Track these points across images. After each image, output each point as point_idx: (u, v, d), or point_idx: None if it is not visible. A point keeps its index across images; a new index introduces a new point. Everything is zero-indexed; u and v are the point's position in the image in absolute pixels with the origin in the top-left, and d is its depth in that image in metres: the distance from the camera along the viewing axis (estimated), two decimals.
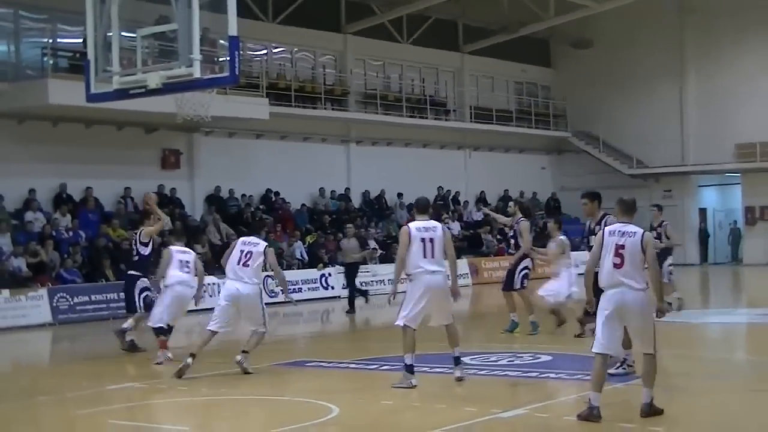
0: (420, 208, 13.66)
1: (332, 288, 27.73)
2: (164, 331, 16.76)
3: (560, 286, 18.40)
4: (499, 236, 37.78)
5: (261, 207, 34.65)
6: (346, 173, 38.91)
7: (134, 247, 18.15)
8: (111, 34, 14.70)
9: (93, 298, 26.00)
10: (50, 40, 29.66)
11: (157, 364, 16.31)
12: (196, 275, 17.19)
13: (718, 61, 44.55)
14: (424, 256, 13.08)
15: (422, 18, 42.05)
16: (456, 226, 38.65)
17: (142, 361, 16.93)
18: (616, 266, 10.80)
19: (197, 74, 13.90)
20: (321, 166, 37.25)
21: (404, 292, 13.36)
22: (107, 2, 14.63)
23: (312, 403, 12.44)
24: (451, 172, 42.65)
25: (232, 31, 13.65)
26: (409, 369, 13.11)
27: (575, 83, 47.48)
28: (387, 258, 32.88)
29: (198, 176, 33.50)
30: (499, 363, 15.33)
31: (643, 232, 10.93)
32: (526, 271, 18.94)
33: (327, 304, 28.32)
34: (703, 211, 47.32)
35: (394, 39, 41.49)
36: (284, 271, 16.47)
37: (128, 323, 17.85)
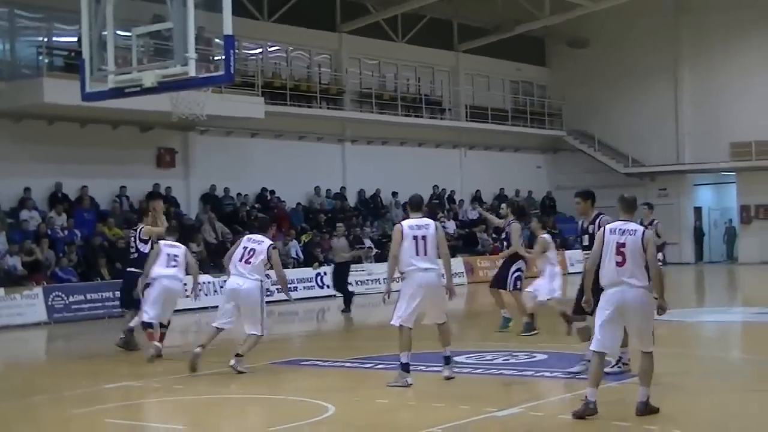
0: (414, 205, 13.68)
1: (328, 287, 27.74)
2: (151, 324, 16.75)
3: (542, 285, 18.44)
4: (494, 235, 37.78)
5: (256, 206, 34.63)
6: (342, 172, 38.90)
7: (134, 245, 18.12)
8: (106, 32, 14.71)
9: (88, 297, 26.00)
10: (45, 39, 29.66)
11: (149, 358, 16.34)
12: (187, 270, 17.19)
13: (713, 60, 44.59)
14: (417, 254, 13.09)
15: (417, 17, 42.05)
16: (451, 225, 38.68)
17: (138, 360, 16.91)
18: (618, 264, 10.82)
19: (192, 73, 13.91)
20: (316, 165, 37.25)
21: (398, 290, 13.36)
22: (102, 1, 14.63)
23: (307, 401, 12.45)
24: (446, 171, 42.65)
25: (228, 29, 13.65)
26: (405, 368, 13.12)
27: (571, 82, 47.50)
28: (382, 257, 32.87)
29: (193, 175, 33.49)
30: (494, 362, 15.34)
31: (644, 230, 10.95)
32: (518, 273, 18.97)
33: (322, 303, 28.33)
34: (698, 210, 47.35)
35: (389, 38, 41.49)
36: None
37: (135, 321, 17.80)
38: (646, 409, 10.70)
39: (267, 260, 14.93)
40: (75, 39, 27.15)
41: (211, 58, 25.00)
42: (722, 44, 44.30)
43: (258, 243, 15.02)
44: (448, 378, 13.40)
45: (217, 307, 27.32)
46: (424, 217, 13.50)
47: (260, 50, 37.14)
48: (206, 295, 26.07)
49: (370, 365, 15.40)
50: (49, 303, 25.19)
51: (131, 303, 17.86)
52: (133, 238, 18.29)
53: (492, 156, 45.33)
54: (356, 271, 32.32)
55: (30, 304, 24.94)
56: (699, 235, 46.93)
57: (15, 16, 29.92)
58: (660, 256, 21.02)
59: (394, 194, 39.35)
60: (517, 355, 15.90)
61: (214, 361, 15.57)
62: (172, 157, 32.81)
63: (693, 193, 47.13)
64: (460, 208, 42.06)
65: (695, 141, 44.55)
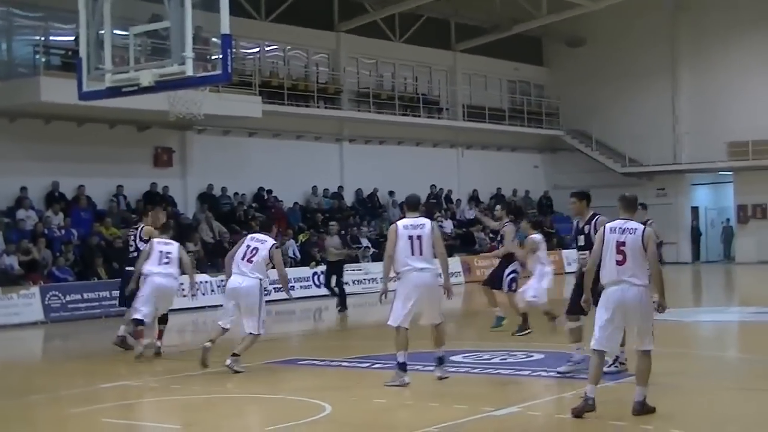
0: (410, 205, 13.67)
1: (334, 288, 27.70)
2: (142, 322, 16.74)
3: (531, 284, 18.53)
4: (491, 234, 37.76)
5: (254, 205, 34.63)
6: (339, 171, 38.89)
7: (133, 244, 18.12)
8: (103, 32, 14.71)
9: (85, 296, 25.98)
10: (43, 38, 29.66)
11: (138, 356, 16.34)
12: (182, 268, 17.21)
13: (711, 60, 44.61)
14: (412, 254, 13.09)
15: (415, 16, 42.06)
16: (449, 225, 38.68)
17: (133, 360, 16.90)
18: (618, 263, 10.83)
19: (190, 72, 13.91)
20: (314, 164, 37.24)
21: (395, 290, 13.36)
22: (100, 0, 14.62)
23: (305, 401, 12.44)
24: (443, 171, 42.65)
25: (225, 29, 13.65)
26: (402, 367, 13.12)
27: (568, 81, 47.49)
28: (380, 256, 32.84)
29: (190, 174, 33.47)
30: (491, 361, 15.34)
31: (644, 228, 10.93)
32: (514, 274, 19.00)
33: (320, 302, 28.31)
34: (695, 210, 47.35)
35: (386, 37, 41.50)
36: None
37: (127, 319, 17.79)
38: (643, 409, 10.70)
39: (269, 259, 14.94)
40: (72, 38, 27.17)
41: (208, 57, 24.94)
42: (720, 44, 44.30)
43: (261, 242, 15.06)
44: (440, 378, 13.40)
45: (214, 306, 27.52)
46: (420, 216, 13.50)
47: (258, 49, 37.13)
48: (203, 294, 26.10)
49: (367, 365, 15.40)
50: (46, 302, 25.17)
51: (131, 301, 17.86)
52: (133, 237, 18.30)
53: (489, 155, 45.32)
54: (353, 270, 32.37)
55: (27, 303, 24.92)
56: (696, 234, 46.92)
57: (12, 15, 29.91)
58: None
59: (391, 193, 39.33)
60: (514, 355, 15.90)
61: (211, 360, 15.56)
62: (169, 157, 32.80)
63: (690, 193, 47.14)
64: (457, 208, 42.06)
65: (693, 140, 44.51)
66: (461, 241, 38.62)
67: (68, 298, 25.67)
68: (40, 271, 26.37)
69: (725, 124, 43.26)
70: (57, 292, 25.55)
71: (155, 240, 17.18)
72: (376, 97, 40.26)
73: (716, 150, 43.30)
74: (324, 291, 26.89)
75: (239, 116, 31.94)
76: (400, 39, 41.99)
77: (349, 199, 38.62)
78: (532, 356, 15.57)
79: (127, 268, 18.20)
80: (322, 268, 29.40)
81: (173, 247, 17.04)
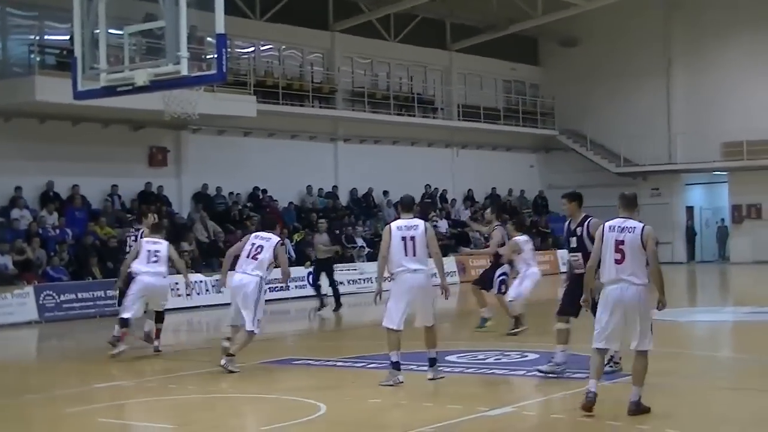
0: (405, 206, 13.70)
1: (320, 286, 27.66)
2: (128, 322, 16.73)
3: (513, 285, 18.62)
4: (486, 236, 37.75)
5: (248, 205, 34.61)
6: (334, 171, 38.88)
7: (132, 245, 18.12)
8: (98, 31, 14.69)
9: (79, 296, 25.95)
10: (37, 37, 29.61)
11: (114, 354, 16.33)
12: (174, 266, 17.23)
13: (706, 60, 44.63)
14: (406, 255, 13.11)
15: (410, 16, 42.04)
16: (443, 224, 38.68)
17: (130, 359, 16.90)
18: (617, 262, 10.84)
19: (185, 72, 13.90)
20: (309, 163, 37.23)
21: (389, 290, 13.38)
22: (95, 0, 14.61)
23: (299, 401, 12.44)
24: (438, 170, 42.65)
25: (220, 28, 13.65)
26: (396, 366, 13.13)
27: (563, 81, 47.49)
28: (374, 256, 32.83)
29: (185, 174, 33.44)
30: (486, 361, 15.35)
31: (643, 227, 10.91)
32: (503, 276, 19.03)
33: (314, 302, 28.25)
34: (690, 210, 47.38)
35: (381, 37, 41.48)
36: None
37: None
38: (638, 409, 10.71)
39: (274, 258, 15.00)
40: (67, 37, 27.11)
41: (203, 56, 24.92)
42: (715, 44, 44.34)
43: (266, 240, 15.15)
44: (432, 379, 13.40)
45: (209, 306, 27.54)
46: (414, 217, 13.51)
47: (253, 49, 37.11)
48: (198, 294, 26.06)
49: (362, 364, 15.40)
50: (40, 302, 25.13)
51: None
52: (133, 239, 18.32)
53: (484, 155, 45.33)
54: (348, 270, 32.37)
55: (21, 303, 24.88)
56: (691, 234, 46.96)
57: (6, 15, 29.88)
58: None
59: (386, 193, 39.33)
60: (508, 355, 15.91)
61: (205, 360, 15.56)
62: (164, 156, 32.76)
63: (685, 193, 47.17)
64: (452, 208, 42.06)
65: (687, 140, 44.52)
66: (456, 241, 38.59)
67: (63, 297, 25.63)
68: (35, 271, 26.33)
69: (720, 124, 43.27)
70: (51, 292, 25.52)
71: (143, 239, 17.22)
72: (371, 97, 40.24)
73: (711, 150, 43.34)
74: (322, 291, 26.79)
75: (234, 116, 31.93)
76: (395, 39, 41.98)
77: (343, 198, 38.62)
78: (526, 356, 15.58)
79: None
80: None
81: (162, 245, 17.07)
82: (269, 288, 21.50)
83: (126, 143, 31.55)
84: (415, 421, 11.05)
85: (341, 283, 27.97)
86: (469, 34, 44.43)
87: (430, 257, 13.30)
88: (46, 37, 30.33)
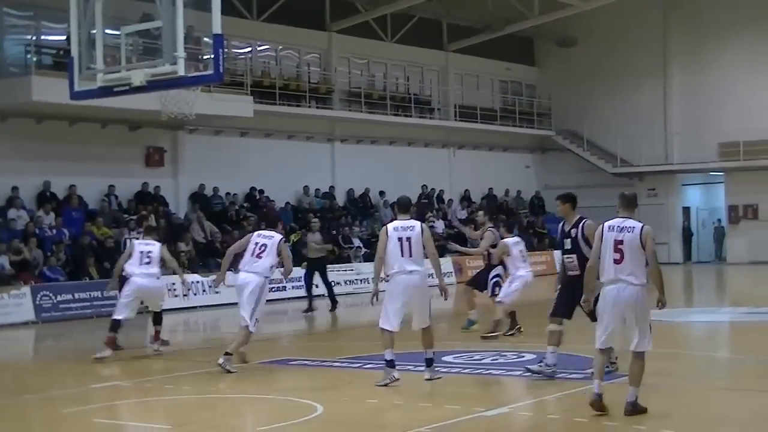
0: (401, 207, 13.70)
1: (317, 286, 27.66)
2: (119, 324, 16.74)
3: (502, 288, 18.67)
4: (481, 238, 37.71)
5: (245, 205, 34.59)
6: (331, 171, 38.88)
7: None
8: (95, 31, 14.68)
9: (76, 296, 25.92)
10: (34, 37, 29.59)
11: (99, 357, 16.32)
12: (168, 267, 17.28)
13: (703, 60, 44.67)
14: (402, 256, 13.13)
15: (407, 16, 42.04)
16: (440, 225, 38.67)
17: (126, 360, 16.90)
18: (616, 262, 10.84)
19: (182, 72, 13.89)
20: (306, 164, 37.22)
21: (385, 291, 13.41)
22: (91, 0, 14.60)
23: (296, 401, 12.44)
24: (435, 171, 42.65)
25: (217, 28, 13.63)
26: (390, 364, 13.15)
27: (560, 81, 47.54)
28: (371, 256, 32.85)
29: (182, 174, 33.42)
30: (483, 361, 15.35)
31: (642, 227, 10.90)
32: (497, 278, 19.04)
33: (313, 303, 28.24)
34: (687, 210, 47.41)
35: (378, 37, 41.49)
36: None
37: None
38: (635, 409, 10.71)
39: (278, 254, 15.12)
40: (64, 37, 27.08)
41: (200, 57, 24.92)
42: (712, 44, 44.37)
43: (269, 238, 15.28)
44: (429, 380, 13.41)
45: (206, 306, 27.52)
46: (411, 219, 13.52)
47: (249, 49, 37.09)
48: (195, 294, 26.04)
49: (359, 365, 15.40)
50: (37, 302, 25.12)
51: None
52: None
53: (481, 155, 45.34)
54: (344, 270, 32.37)
55: (17, 303, 24.86)
56: (687, 235, 46.98)
57: (3, 14, 29.81)
58: None
59: (382, 194, 39.33)
60: (505, 355, 15.92)
61: (202, 361, 15.55)
62: (161, 156, 32.74)
63: (681, 193, 47.20)
64: (449, 208, 42.05)
65: (684, 141, 44.54)
66: (453, 242, 38.54)
67: (59, 298, 25.61)
68: (32, 271, 26.31)
69: (716, 124, 43.32)
70: (48, 292, 25.50)
71: (136, 241, 17.28)
72: (367, 97, 40.24)
73: (707, 150, 43.40)
74: (315, 291, 26.75)
75: (231, 116, 31.92)
76: (391, 39, 41.98)
77: (340, 199, 38.61)
78: (523, 356, 15.56)
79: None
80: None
81: (154, 246, 17.10)
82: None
83: (123, 143, 31.53)
84: (412, 421, 11.04)
85: (337, 283, 27.93)
86: (466, 34, 44.43)
87: (427, 258, 13.32)
88: (42, 37, 30.31)
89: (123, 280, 17.41)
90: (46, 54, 29.67)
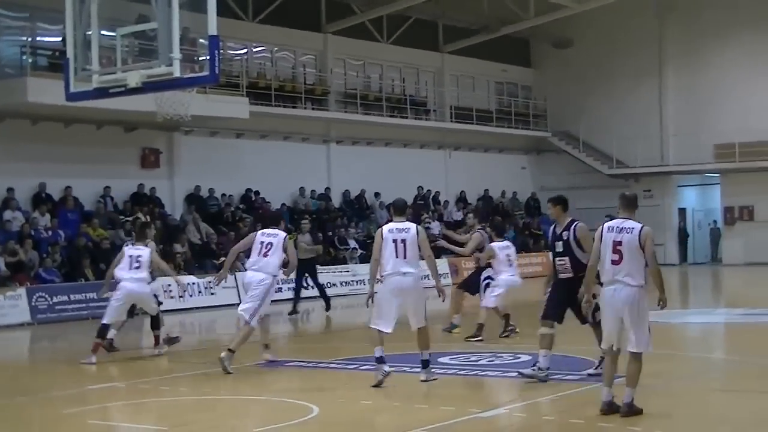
0: (397, 209, 13.72)
1: (312, 288, 27.68)
2: (107, 329, 16.72)
3: (488, 291, 18.69)
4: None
5: (241, 206, 34.60)
6: (327, 173, 38.88)
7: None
8: (91, 32, 14.66)
9: (72, 297, 25.90)
10: (29, 39, 29.56)
11: (85, 363, 16.30)
12: (160, 270, 17.30)
13: (698, 62, 44.70)
14: (396, 257, 13.15)
15: (402, 18, 42.05)
16: (436, 226, 38.65)
17: (122, 361, 16.89)
18: (614, 263, 10.86)
19: (177, 73, 13.87)
20: (301, 165, 37.21)
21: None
22: (87, 1, 14.58)
23: (292, 402, 12.44)
24: (431, 172, 42.65)
25: (212, 30, 13.62)
26: (380, 360, 13.16)
27: (555, 83, 47.57)
28: (367, 258, 32.81)
29: (178, 175, 33.41)
30: (479, 363, 15.36)
31: (641, 228, 10.91)
32: (489, 280, 19.04)
33: (307, 304, 28.25)
34: (682, 211, 47.46)
35: (374, 39, 41.49)
36: None
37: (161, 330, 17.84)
38: (631, 410, 10.71)
39: (284, 251, 15.24)
40: (59, 38, 27.13)
41: (195, 58, 24.88)
42: (707, 46, 44.39)
43: (274, 236, 15.43)
44: (425, 381, 13.40)
45: (202, 307, 27.50)
46: (406, 221, 13.53)
47: (245, 50, 37.10)
48: (191, 296, 26.05)
49: (355, 366, 15.39)
50: (33, 304, 25.09)
51: (128, 312, 17.86)
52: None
53: (477, 157, 45.35)
54: (340, 271, 32.38)
55: (13, 305, 24.83)
56: (683, 236, 47.03)
57: None
58: None
59: (377, 195, 39.35)
60: (501, 356, 15.92)
61: (198, 362, 15.55)
62: (156, 158, 32.73)
63: (677, 195, 47.21)
64: (444, 209, 42.06)
65: (680, 142, 44.59)
66: (445, 238, 38.57)
67: (55, 299, 25.59)
68: (27, 273, 26.29)
69: (712, 125, 43.34)
70: (44, 294, 25.48)
71: (126, 248, 17.31)
72: (363, 99, 40.24)
73: (703, 152, 43.41)
74: (311, 293, 26.73)
75: (226, 117, 31.91)
76: (387, 40, 41.99)
77: (336, 200, 38.62)
78: (519, 358, 15.58)
79: None
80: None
81: (143, 251, 17.07)
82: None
83: (118, 145, 31.51)
84: (407, 422, 11.05)
85: (333, 284, 27.88)
86: (462, 35, 44.46)
87: (422, 259, 13.32)
88: (38, 38, 30.29)
89: (115, 284, 17.45)
90: (41, 55, 29.66)
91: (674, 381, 13.53)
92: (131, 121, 30.40)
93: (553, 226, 13.58)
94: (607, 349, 11.05)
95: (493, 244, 18.83)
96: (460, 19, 44.05)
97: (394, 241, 13.16)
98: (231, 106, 31.41)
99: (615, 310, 10.85)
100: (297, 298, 25.97)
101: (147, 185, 31.83)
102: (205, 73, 14.58)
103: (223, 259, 19.88)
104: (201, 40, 26.04)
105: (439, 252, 30.77)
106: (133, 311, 17.87)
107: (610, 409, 10.75)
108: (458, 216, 40.45)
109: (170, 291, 25.14)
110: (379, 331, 13.17)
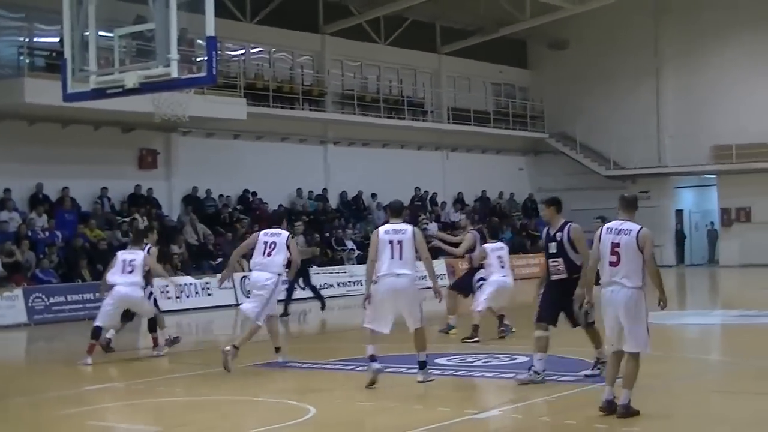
0: (393, 211, 13.76)
1: (305, 289, 27.64)
2: (100, 331, 16.72)
3: (478, 293, 18.70)
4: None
5: (238, 207, 34.61)
6: (324, 174, 38.89)
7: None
8: (88, 33, 14.64)
9: (69, 298, 25.90)
10: (27, 39, 29.52)
11: (81, 364, 16.29)
12: (153, 273, 17.33)
13: (695, 63, 44.75)
14: (392, 258, 13.15)
15: (400, 19, 42.07)
16: (434, 227, 38.67)
17: (119, 362, 16.89)
18: (612, 264, 10.88)
19: (175, 74, 13.86)
20: (299, 166, 37.22)
21: None
22: (84, 1, 14.57)
23: (289, 403, 12.45)
24: (428, 173, 42.67)
25: (210, 31, 13.61)
26: (372, 359, 13.19)
27: (552, 84, 47.61)
28: (364, 259, 32.79)
29: (175, 176, 33.41)
30: (475, 364, 15.35)
31: (639, 229, 10.91)
32: (482, 282, 19.04)
33: (304, 305, 28.26)
34: (679, 213, 47.49)
35: (371, 40, 41.51)
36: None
37: (162, 331, 17.84)
38: (627, 412, 10.71)
39: (287, 249, 15.30)
40: (56, 39, 27.08)
41: (193, 59, 24.81)
42: (705, 47, 44.42)
43: (277, 236, 15.48)
44: (422, 382, 13.41)
45: (199, 309, 27.49)
46: (403, 222, 13.55)
47: (243, 51, 37.11)
48: (188, 297, 26.04)
49: (351, 367, 15.38)
50: (30, 304, 25.08)
51: (127, 315, 17.84)
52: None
53: (474, 158, 45.37)
54: (337, 273, 32.38)
55: (10, 305, 24.82)
56: (680, 237, 47.08)
57: None
58: None
59: (374, 196, 39.36)
60: (498, 357, 15.92)
61: (196, 363, 15.54)
62: (154, 159, 32.73)
63: (674, 196, 47.25)
64: (442, 210, 42.08)
65: (677, 143, 44.60)
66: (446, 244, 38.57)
67: (52, 300, 25.59)
68: (24, 273, 26.28)
69: (709, 127, 43.39)
70: (41, 294, 25.48)
71: (119, 252, 17.33)
72: (360, 100, 40.26)
73: (700, 153, 43.47)
74: (308, 293, 26.70)
75: (224, 118, 31.93)
76: (385, 41, 42.00)
77: (333, 201, 38.63)
78: (515, 359, 15.58)
79: None
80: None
81: (137, 255, 17.06)
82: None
83: (116, 145, 31.51)
84: (404, 423, 11.05)
85: (330, 285, 27.87)
86: (459, 37, 44.50)
87: (420, 261, 13.33)
88: (35, 39, 30.26)
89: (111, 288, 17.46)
90: (38, 56, 29.63)
91: (672, 382, 13.55)
92: (129, 121, 30.41)
93: (546, 228, 13.58)
94: (611, 349, 11.07)
95: (485, 245, 18.82)
96: (457, 20, 44.10)
97: (391, 242, 13.17)
98: (228, 107, 31.42)
99: (613, 311, 10.87)
100: (288, 300, 25.87)
101: (144, 186, 31.84)
102: (203, 74, 14.57)
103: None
104: (199, 41, 25.97)
105: (436, 253, 30.82)
106: (132, 315, 17.83)
107: (610, 408, 10.76)
108: (456, 217, 40.42)
109: (167, 292, 25.14)
110: (372, 330, 13.19)
